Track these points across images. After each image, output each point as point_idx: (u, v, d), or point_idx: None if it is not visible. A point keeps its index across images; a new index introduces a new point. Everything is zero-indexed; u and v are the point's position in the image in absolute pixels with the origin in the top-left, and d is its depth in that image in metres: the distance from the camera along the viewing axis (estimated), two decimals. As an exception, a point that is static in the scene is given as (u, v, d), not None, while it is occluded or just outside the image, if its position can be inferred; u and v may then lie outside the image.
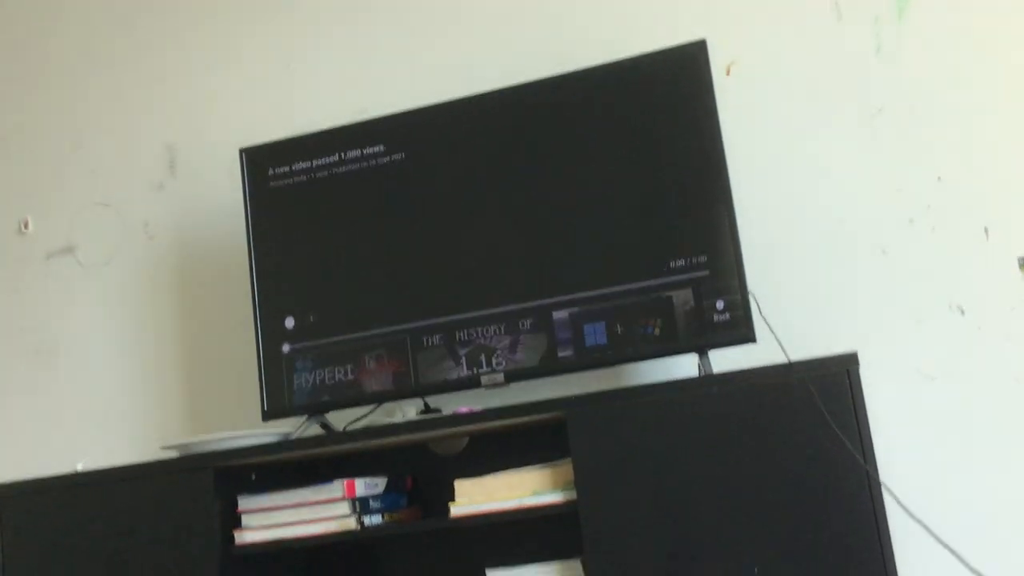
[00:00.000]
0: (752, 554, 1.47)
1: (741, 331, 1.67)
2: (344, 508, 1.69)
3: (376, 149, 1.90)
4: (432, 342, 1.82)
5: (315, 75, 2.24)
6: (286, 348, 1.90)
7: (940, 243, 1.84)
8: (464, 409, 1.67)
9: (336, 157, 1.92)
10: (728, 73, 1.98)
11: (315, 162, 1.93)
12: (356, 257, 1.88)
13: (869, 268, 1.87)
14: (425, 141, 1.88)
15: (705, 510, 1.50)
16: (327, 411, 1.89)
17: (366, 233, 1.88)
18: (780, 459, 1.48)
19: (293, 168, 1.94)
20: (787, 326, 1.83)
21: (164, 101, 2.35)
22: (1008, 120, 1.83)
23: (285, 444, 1.71)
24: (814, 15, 1.95)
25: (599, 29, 2.06)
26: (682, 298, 1.71)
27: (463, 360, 1.80)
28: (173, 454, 1.79)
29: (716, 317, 1.69)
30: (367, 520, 1.70)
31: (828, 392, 1.48)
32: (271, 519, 1.71)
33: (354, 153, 1.91)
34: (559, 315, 1.76)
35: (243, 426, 2.13)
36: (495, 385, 1.78)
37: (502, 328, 1.79)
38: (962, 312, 1.81)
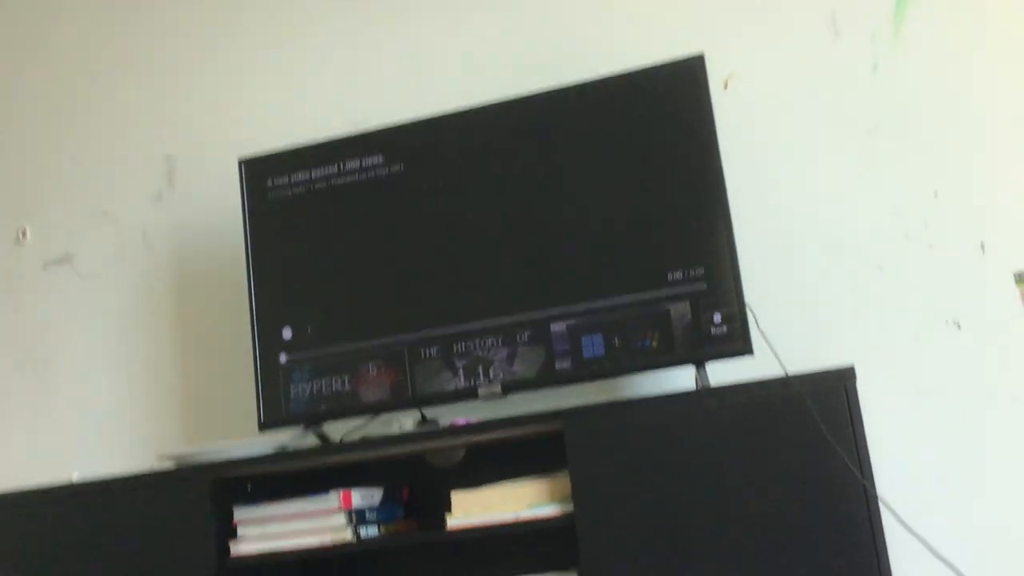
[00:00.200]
0: (749, 567, 1.47)
1: (738, 344, 1.68)
2: (340, 519, 1.68)
3: (375, 160, 1.91)
4: (430, 353, 1.82)
5: (315, 86, 2.25)
6: (283, 358, 1.90)
7: (937, 258, 1.85)
8: (461, 421, 1.67)
9: (335, 168, 1.93)
10: (726, 87, 1.99)
11: (314, 173, 1.94)
12: (354, 268, 1.88)
13: (866, 283, 1.87)
14: (424, 152, 1.88)
15: (702, 523, 1.49)
16: (324, 421, 1.89)
17: (365, 244, 1.88)
18: (777, 472, 1.48)
19: (292, 179, 1.95)
20: (784, 340, 1.83)
21: (163, 111, 2.35)
22: (1004, 136, 1.84)
23: (281, 455, 1.71)
24: (811, 31, 1.96)
25: (597, 43, 2.06)
26: (680, 311, 1.71)
27: (460, 371, 1.80)
28: (169, 464, 1.79)
29: (713, 330, 1.69)
30: (363, 532, 1.70)
31: (825, 406, 1.48)
32: (267, 530, 1.71)
33: (353, 164, 1.92)
34: (557, 327, 1.77)
35: (240, 436, 2.12)
36: (492, 397, 1.78)
37: (500, 340, 1.79)
38: (959, 327, 1.82)
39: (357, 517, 1.70)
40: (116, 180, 2.37)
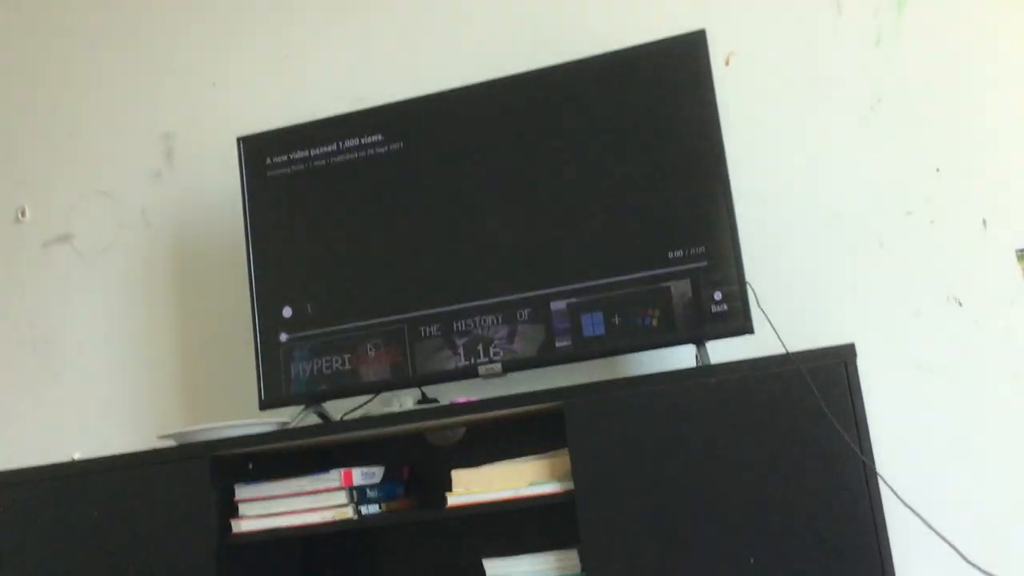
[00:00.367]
0: (749, 544, 1.47)
1: (739, 322, 1.67)
2: (341, 497, 1.69)
3: (374, 138, 1.90)
4: (430, 332, 1.82)
5: (313, 64, 2.24)
6: (284, 337, 1.90)
7: (938, 235, 1.84)
8: (461, 399, 1.67)
9: (334, 146, 1.92)
10: (727, 64, 1.98)
11: (313, 151, 1.93)
12: (354, 246, 1.88)
13: (867, 260, 1.87)
14: (423, 130, 1.87)
15: (702, 500, 1.50)
16: (324, 400, 1.89)
17: (364, 222, 1.88)
18: (777, 450, 1.48)
19: (291, 157, 1.94)
20: (785, 317, 1.83)
21: (162, 89, 2.34)
22: (1007, 112, 1.83)
23: (282, 433, 1.71)
24: (814, 6, 1.95)
25: (598, 19, 2.05)
26: (680, 289, 1.71)
27: (461, 350, 1.80)
28: (170, 443, 1.79)
29: (714, 308, 1.69)
30: (364, 509, 1.70)
31: (826, 383, 1.48)
32: (268, 508, 1.71)
33: (352, 142, 1.91)
34: (557, 305, 1.76)
35: (240, 415, 2.13)
36: (493, 375, 1.78)
37: (500, 318, 1.79)
38: (960, 304, 1.82)
39: (358, 495, 1.71)
40: (115, 158, 2.36)
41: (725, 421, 1.51)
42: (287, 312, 1.90)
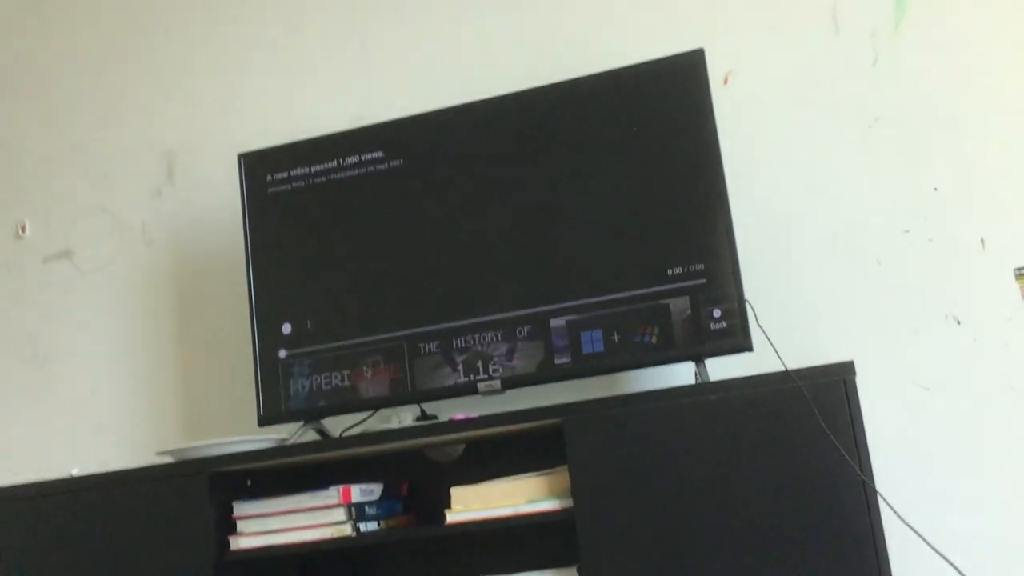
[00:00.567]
0: (748, 561, 1.47)
1: (738, 340, 1.68)
2: (340, 514, 1.69)
3: (375, 155, 1.91)
4: (429, 349, 1.82)
5: (314, 81, 2.25)
6: (283, 354, 1.90)
7: (936, 254, 1.85)
8: (460, 416, 1.67)
9: (334, 163, 1.92)
10: (726, 83, 1.99)
11: (313, 168, 1.93)
12: (354, 263, 1.88)
13: (865, 278, 1.87)
14: (424, 148, 1.88)
15: (701, 519, 1.50)
16: (323, 417, 1.89)
17: (364, 239, 1.88)
18: (776, 468, 1.48)
19: (291, 174, 1.95)
20: (784, 335, 1.84)
21: (163, 106, 2.35)
22: (1004, 131, 1.84)
23: (281, 450, 1.71)
24: (812, 27, 1.96)
25: (597, 37, 2.06)
26: (679, 306, 1.71)
27: (460, 367, 1.80)
28: (168, 459, 1.79)
29: (713, 325, 1.69)
30: (363, 527, 1.70)
31: (825, 401, 1.48)
32: (266, 525, 1.71)
33: (352, 159, 1.92)
34: (556, 322, 1.77)
35: (239, 432, 2.13)
36: (492, 392, 1.78)
37: (499, 335, 1.79)
38: (958, 323, 1.82)
39: (357, 512, 1.70)
40: (116, 175, 2.36)
41: (724, 439, 1.51)
42: (287, 328, 1.90)
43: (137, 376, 2.26)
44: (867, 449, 1.46)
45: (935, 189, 1.86)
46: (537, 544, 1.85)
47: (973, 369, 1.79)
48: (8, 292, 2.40)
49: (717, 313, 1.69)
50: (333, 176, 1.92)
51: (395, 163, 1.89)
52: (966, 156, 1.85)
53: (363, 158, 1.91)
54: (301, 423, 1.89)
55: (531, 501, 1.61)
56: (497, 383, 1.78)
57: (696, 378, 1.70)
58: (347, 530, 1.68)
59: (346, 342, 1.86)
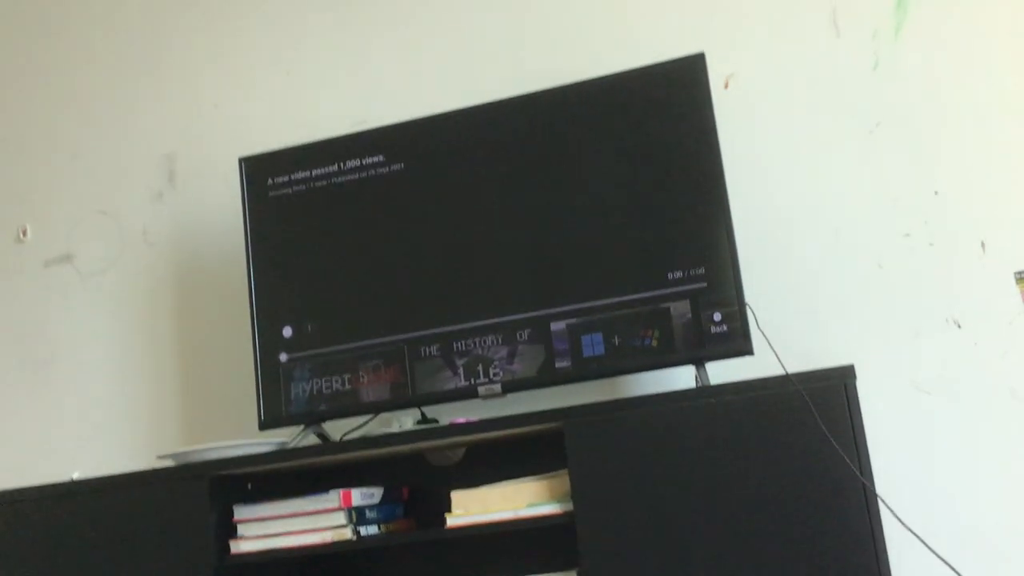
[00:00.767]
0: (748, 564, 1.47)
1: (738, 343, 1.68)
2: (340, 518, 1.68)
3: (376, 159, 1.91)
4: (430, 352, 1.82)
5: (315, 85, 2.25)
6: (283, 357, 1.90)
7: (937, 257, 1.85)
8: (461, 420, 1.67)
9: (335, 167, 1.93)
10: (726, 87, 1.99)
11: (314, 172, 1.94)
12: (355, 267, 1.88)
13: (866, 281, 1.87)
14: (424, 152, 1.88)
15: (702, 522, 1.50)
16: (324, 421, 1.89)
17: (365, 243, 1.89)
18: (777, 471, 1.48)
19: (292, 178, 1.95)
20: (784, 339, 1.84)
21: (163, 110, 2.36)
22: (1005, 134, 1.84)
23: (281, 453, 1.71)
24: (812, 30, 1.96)
25: (598, 42, 2.06)
26: (680, 310, 1.71)
27: (460, 370, 1.80)
28: (169, 463, 1.79)
29: (713, 329, 1.69)
30: (363, 530, 1.70)
31: (825, 405, 1.48)
32: (267, 529, 1.71)
33: (353, 163, 1.92)
34: (557, 326, 1.77)
35: (240, 435, 2.13)
36: (492, 396, 1.78)
37: (500, 339, 1.79)
38: (959, 326, 1.82)
39: (357, 516, 1.70)
40: (117, 179, 2.37)
41: (725, 442, 1.51)
42: (287, 332, 1.90)
43: (138, 379, 2.26)
44: (867, 452, 1.46)
45: (936, 192, 1.86)
46: (537, 548, 1.85)
47: (974, 372, 1.79)
48: (9, 296, 2.40)
49: (717, 316, 1.69)
50: (334, 180, 1.92)
51: (396, 167, 1.89)
52: (967, 159, 1.85)
53: (364, 162, 1.91)
54: (302, 427, 1.89)
55: (531, 505, 1.61)
56: (497, 387, 1.78)
57: (697, 382, 1.70)
58: (347, 534, 1.68)
59: (347, 345, 1.86)
